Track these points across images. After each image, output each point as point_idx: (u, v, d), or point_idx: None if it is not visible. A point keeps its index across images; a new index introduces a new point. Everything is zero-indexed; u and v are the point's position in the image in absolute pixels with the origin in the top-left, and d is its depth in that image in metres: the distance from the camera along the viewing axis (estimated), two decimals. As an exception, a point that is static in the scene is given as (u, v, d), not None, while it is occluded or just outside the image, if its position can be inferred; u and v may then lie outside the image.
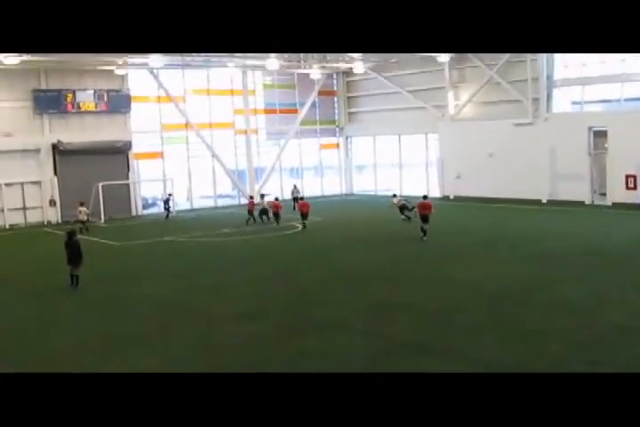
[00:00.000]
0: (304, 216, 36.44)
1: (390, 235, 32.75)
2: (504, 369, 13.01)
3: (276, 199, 39.63)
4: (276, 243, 32.46)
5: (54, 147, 42.62)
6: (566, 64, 43.08)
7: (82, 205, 38.70)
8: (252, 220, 39.02)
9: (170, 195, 44.65)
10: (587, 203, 41.08)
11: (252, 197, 42.11)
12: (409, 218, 36.34)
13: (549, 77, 43.47)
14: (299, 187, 48.27)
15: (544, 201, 42.50)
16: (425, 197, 33.11)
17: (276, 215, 37.70)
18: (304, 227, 36.03)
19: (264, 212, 38.96)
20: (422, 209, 30.94)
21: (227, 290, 22.14)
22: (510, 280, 21.74)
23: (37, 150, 42.39)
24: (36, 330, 18.19)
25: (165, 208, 43.88)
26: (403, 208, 37.70)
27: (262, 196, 42.05)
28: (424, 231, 30.35)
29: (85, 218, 38.25)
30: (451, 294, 20.27)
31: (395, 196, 40.91)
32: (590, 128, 41.04)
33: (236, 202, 50.17)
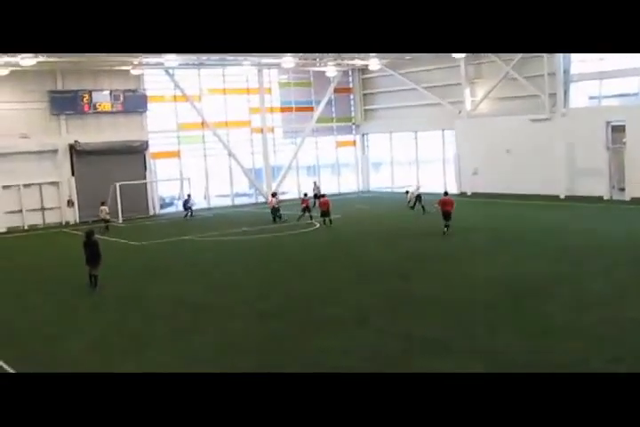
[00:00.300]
0: (325, 214, 36.44)
1: (408, 231, 32.66)
2: (525, 366, 12.94)
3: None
4: (295, 241, 32.41)
5: (71, 147, 42.78)
6: (583, 58, 42.75)
7: (103, 204, 39.04)
8: (278, 217, 39.12)
9: (189, 195, 44.64)
10: (605, 198, 40.79)
11: (274, 195, 42.25)
12: (412, 207, 38.09)
13: (566, 72, 43.20)
14: (318, 184, 48.17)
15: (562, 197, 42.26)
16: (446, 193, 33.17)
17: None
18: (330, 223, 36.12)
19: (276, 211, 38.84)
20: (444, 205, 30.91)
21: (245, 288, 22.15)
22: (530, 276, 21.61)
23: (54, 151, 42.56)
24: (56, 329, 18.27)
25: (186, 208, 43.89)
26: (418, 198, 38.94)
27: (274, 194, 41.99)
28: (447, 226, 30.38)
29: (107, 217, 38.58)
30: (470, 290, 20.21)
31: (407, 192, 41.50)
32: (608, 123, 40.76)
33: (253, 200, 50.21)
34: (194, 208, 44.06)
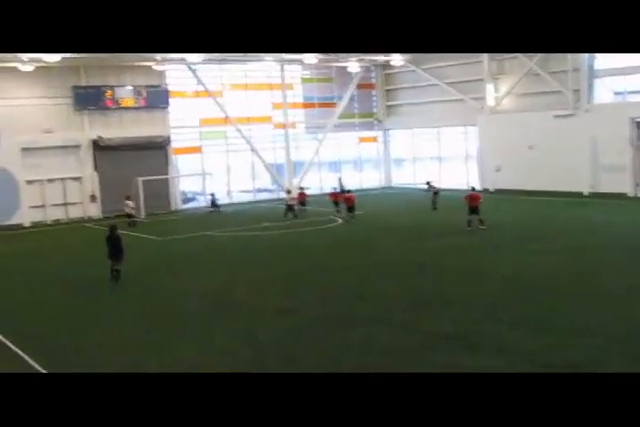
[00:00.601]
0: (351, 209, 36.53)
1: (430, 228, 32.59)
2: (543, 365, 12.90)
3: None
4: (317, 236, 32.48)
5: (94, 143, 43.00)
6: (607, 54, 42.42)
7: (128, 198, 39.41)
8: (304, 211, 39.64)
9: (212, 195, 44.82)
10: (629, 195, 40.50)
11: (301, 188, 42.48)
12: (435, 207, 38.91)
13: (590, 68, 42.87)
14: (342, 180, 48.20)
15: (585, 193, 41.98)
16: (473, 188, 33.33)
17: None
18: (352, 218, 36.26)
19: (290, 208, 38.91)
20: (471, 201, 31.07)
21: (268, 284, 22.19)
22: (552, 273, 21.50)
23: (77, 146, 42.83)
24: (79, 324, 18.37)
25: (214, 206, 44.08)
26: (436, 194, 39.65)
27: (289, 191, 42.05)
28: (470, 222, 30.65)
29: (132, 212, 38.91)
30: (490, 286, 20.19)
31: (428, 183, 41.97)
32: (633, 119, 40.41)
33: (275, 196, 50.23)
34: (218, 204, 44.29)
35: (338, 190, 41.43)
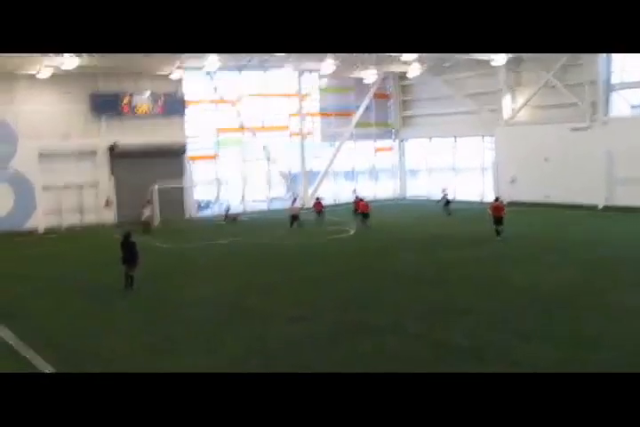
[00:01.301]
0: (365, 215, 37.02)
1: (444, 238, 32.56)
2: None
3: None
4: (331, 245, 32.49)
5: (111, 149, 43.17)
6: (624, 67, 42.37)
7: (146, 205, 39.79)
8: (323, 219, 40.15)
9: (228, 206, 45.13)
10: (645, 208, 40.33)
11: (318, 199, 42.58)
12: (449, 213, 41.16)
13: (607, 81, 42.78)
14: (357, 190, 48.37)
15: (600, 207, 41.79)
16: (497, 199, 33.48)
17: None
18: (368, 227, 36.57)
19: (294, 217, 38.67)
20: (495, 211, 31.39)
21: (280, 291, 22.22)
22: (565, 285, 21.46)
23: (94, 152, 43.03)
24: (92, 329, 18.40)
25: (226, 217, 44.10)
26: (447, 203, 42.29)
27: (294, 201, 41.99)
28: (498, 231, 31.06)
29: (149, 219, 39.16)
30: (505, 298, 20.09)
31: (444, 191, 43.95)
32: (650, 132, 40.29)
33: (289, 205, 50.17)
34: (231, 214, 44.39)
35: (359, 199, 41.46)
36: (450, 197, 43.74)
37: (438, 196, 45.43)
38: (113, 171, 43.65)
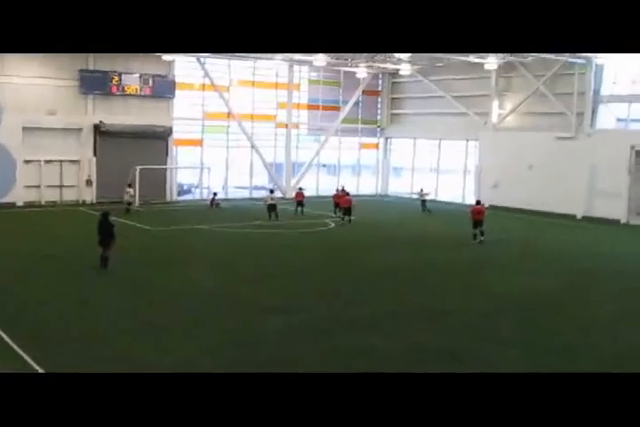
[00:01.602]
0: (347, 212, 37.07)
1: (424, 238, 32.67)
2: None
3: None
4: (309, 238, 32.58)
5: (96, 127, 43.01)
6: (615, 80, 42.62)
7: (130, 186, 39.67)
8: (301, 212, 40.31)
9: (215, 194, 44.92)
10: (622, 222, 40.59)
11: (300, 189, 42.66)
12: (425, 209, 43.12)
13: (596, 92, 43.00)
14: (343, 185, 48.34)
15: (579, 217, 42.06)
16: (478, 202, 33.56)
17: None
18: (348, 222, 36.70)
19: (272, 208, 38.11)
20: (475, 214, 31.42)
21: (257, 282, 22.21)
22: (542, 292, 21.64)
23: (79, 130, 42.87)
24: (67, 310, 18.31)
25: (212, 204, 43.96)
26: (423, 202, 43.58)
27: (271, 191, 41.73)
28: (475, 235, 31.07)
29: (131, 200, 39.07)
30: (481, 304, 20.18)
31: (422, 190, 44.87)
32: (633, 147, 40.51)
33: (268, 194, 50.15)
34: (217, 201, 44.30)
35: (340, 192, 41.43)
36: (427, 197, 44.35)
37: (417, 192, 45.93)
38: (96, 150, 43.47)
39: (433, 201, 45.45)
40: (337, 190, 42.81)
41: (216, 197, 44.16)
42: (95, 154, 43.44)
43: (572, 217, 41.86)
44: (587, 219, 41.35)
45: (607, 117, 43.49)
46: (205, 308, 18.79)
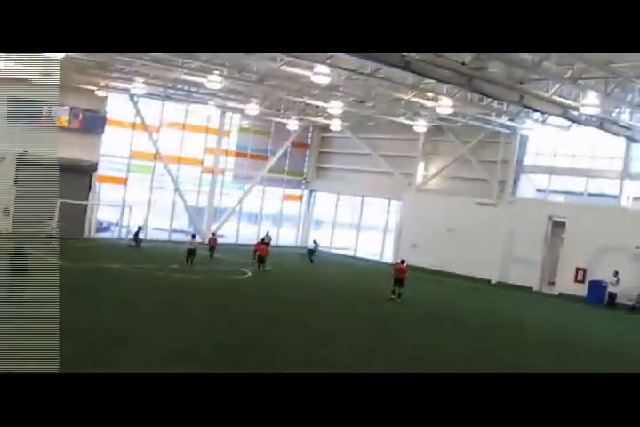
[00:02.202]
0: (261, 260, 37.23)
1: (342, 292, 32.85)
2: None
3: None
4: (224, 285, 32.31)
5: (19, 157, 42.22)
6: (537, 152, 43.97)
7: (50, 218, 38.82)
8: (211, 256, 40.26)
9: (139, 227, 44.34)
10: (534, 289, 41.49)
11: (213, 234, 42.71)
12: (311, 260, 44.64)
13: (519, 162, 44.30)
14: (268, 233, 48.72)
15: (493, 282, 42.87)
16: (402, 261, 33.36)
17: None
18: (264, 270, 36.89)
19: (191, 252, 37.25)
20: (398, 272, 31.42)
21: (162, 326, 21.52)
22: (452, 353, 21.84)
23: (2, 158, 41.96)
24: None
25: (135, 239, 43.59)
26: (311, 252, 45.51)
27: (193, 236, 41.18)
28: (397, 294, 30.89)
29: (53, 233, 38.30)
30: (391, 362, 20.16)
31: (315, 242, 47.30)
32: (550, 217, 41.72)
33: (189, 239, 49.79)
34: (140, 239, 43.89)
35: (262, 242, 41.64)
36: (314, 247, 46.45)
37: (340, 251, 46.13)
38: (17, 179, 42.61)
39: (352, 257, 45.67)
40: (261, 240, 42.98)
41: (139, 235, 43.68)
42: (16, 183, 42.54)
43: (487, 282, 42.60)
44: (501, 284, 42.12)
45: (528, 187, 44.75)
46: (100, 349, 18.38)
